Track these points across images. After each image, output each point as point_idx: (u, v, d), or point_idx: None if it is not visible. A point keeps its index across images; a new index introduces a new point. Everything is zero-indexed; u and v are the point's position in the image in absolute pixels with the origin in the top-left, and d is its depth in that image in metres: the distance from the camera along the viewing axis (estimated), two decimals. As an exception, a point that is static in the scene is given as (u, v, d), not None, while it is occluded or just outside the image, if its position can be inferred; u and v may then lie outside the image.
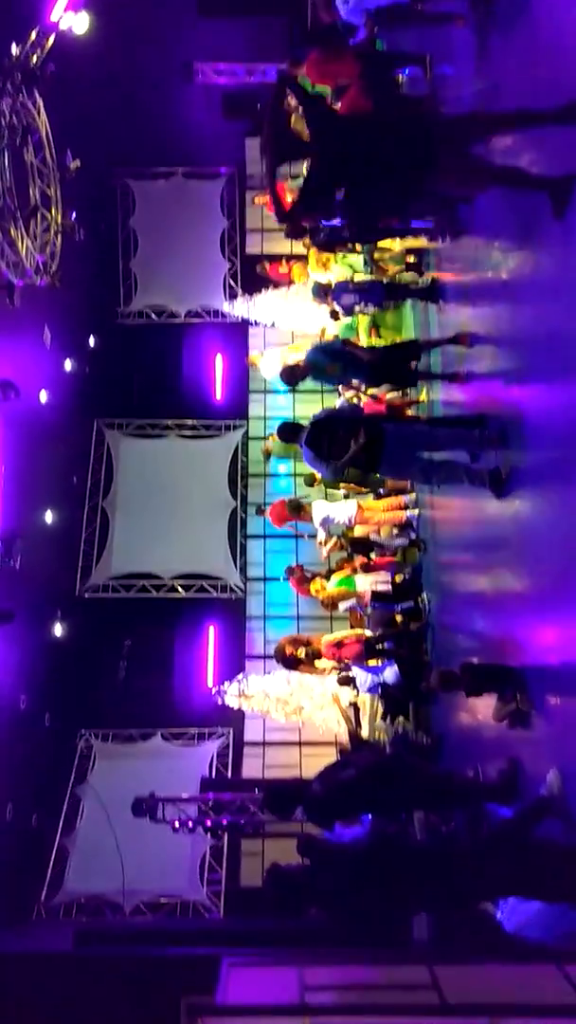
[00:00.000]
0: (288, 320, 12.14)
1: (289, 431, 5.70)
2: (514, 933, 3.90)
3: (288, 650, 9.26)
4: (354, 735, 8.03)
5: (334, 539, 10.39)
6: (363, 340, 9.73)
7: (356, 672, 8.64)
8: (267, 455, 11.76)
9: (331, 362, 6.95)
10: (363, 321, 9.86)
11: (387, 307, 9.15)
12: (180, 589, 12.92)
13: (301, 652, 9.37)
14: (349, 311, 8.95)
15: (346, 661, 8.83)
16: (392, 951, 4.19)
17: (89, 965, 4.88)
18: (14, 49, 9.61)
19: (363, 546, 9.91)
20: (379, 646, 8.27)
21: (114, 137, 13.08)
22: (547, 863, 3.73)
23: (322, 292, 9.51)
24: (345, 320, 10.25)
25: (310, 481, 11.45)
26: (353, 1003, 3.62)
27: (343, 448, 5.04)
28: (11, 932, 9.20)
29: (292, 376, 7.22)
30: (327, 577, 11.11)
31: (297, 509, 10.56)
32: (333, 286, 8.95)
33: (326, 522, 9.62)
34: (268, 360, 11.86)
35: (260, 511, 12.63)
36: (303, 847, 4.14)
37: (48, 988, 4.54)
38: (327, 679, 10.28)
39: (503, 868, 3.74)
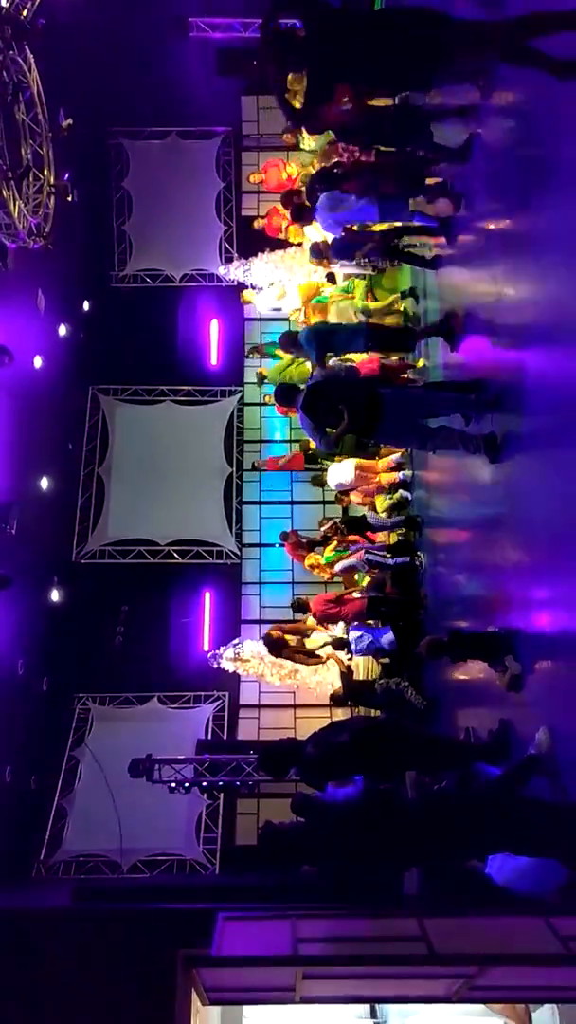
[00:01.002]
0: (285, 282, 12.00)
1: (286, 393, 5.66)
2: (502, 887, 3.99)
3: (275, 633, 9.38)
4: (348, 678, 8.19)
5: (330, 522, 10.48)
6: (359, 302, 9.65)
7: (352, 634, 8.70)
8: (261, 379, 11.81)
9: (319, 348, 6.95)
10: (359, 285, 9.77)
11: (384, 268, 9.05)
12: (176, 555, 12.96)
13: (291, 639, 9.50)
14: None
15: (343, 619, 8.85)
16: (382, 905, 4.29)
17: (86, 920, 4.98)
18: (3, 2, 9.37)
19: (358, 526, 9.91)
20: (382, 607, 8.28)
21: (107, 95, 12.81)
22: (535, 819, 3.81)
23: (319, 252, 9.37)
24: (342, 283, 10.16)
25: (305, 448, 11.46)
26: (344, 954, 3.72)
27: (339, 416, 5.03)
28: (10, 889, 9.39)
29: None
30: (322, 544, 11.17)
31: (320, 484, 10.88)
32: (330, 243, 8.82)
33: (339, 486, 9.74)
34: (261, 297, 11.78)
35: (256, 466, 12.76)
36: (297, 806, 4.21)
37: (46, 942, 4.63)
38: (320, 646, 10.37)
39: (492, 824, 3.82)
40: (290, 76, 4.76)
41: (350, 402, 5.03)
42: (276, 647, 9.60)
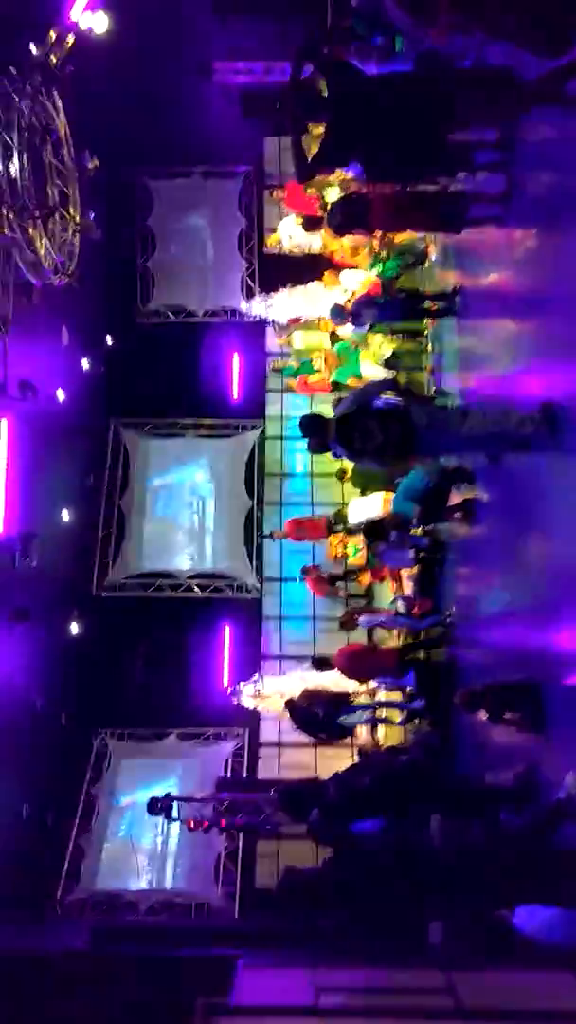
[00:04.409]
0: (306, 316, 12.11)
1: (314, 426, 5.49)
2: (530, 938, 3.85)
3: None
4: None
5: (341, 534, 10.36)
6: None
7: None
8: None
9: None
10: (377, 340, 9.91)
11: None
12: (196, 588, 12.93)
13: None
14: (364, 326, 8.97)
15: (372, 674, 8.63)
16: (407, 955, 4.16)
17: (105, 964, 4.88)
18: (33, 49, 9.66)
19: (378, 532, 9.66)
20: (408, 656, 8.11)
21: (132, 137, 13.10)
22: (564, 868, 3.69)
23: (340, 313, 9.36)
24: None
25: (340, 475, 11.40)
26: (366, 1006, 3.61)
27: (374, 440, 4.96)
28: (28, 929, 9.24)
29: (314, 429, 5.89)
30: (343, 579, 11.12)
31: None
32: (352, 304, 8.95)
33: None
34: (284, 226, 11.83)
35: (274, 534, 12.40)
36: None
37: (64, 986, 4.54)
38: (344, 680, 10.25)
39: (520, 873, 3.70)
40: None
41: (382, 425, 4.94)
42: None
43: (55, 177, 10.22)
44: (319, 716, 7.88)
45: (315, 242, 11.47)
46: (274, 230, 12.52)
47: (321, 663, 9.31)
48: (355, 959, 4.08)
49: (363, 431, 4.90)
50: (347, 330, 10.26)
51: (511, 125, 4.72)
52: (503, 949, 4.00)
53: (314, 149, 4.54)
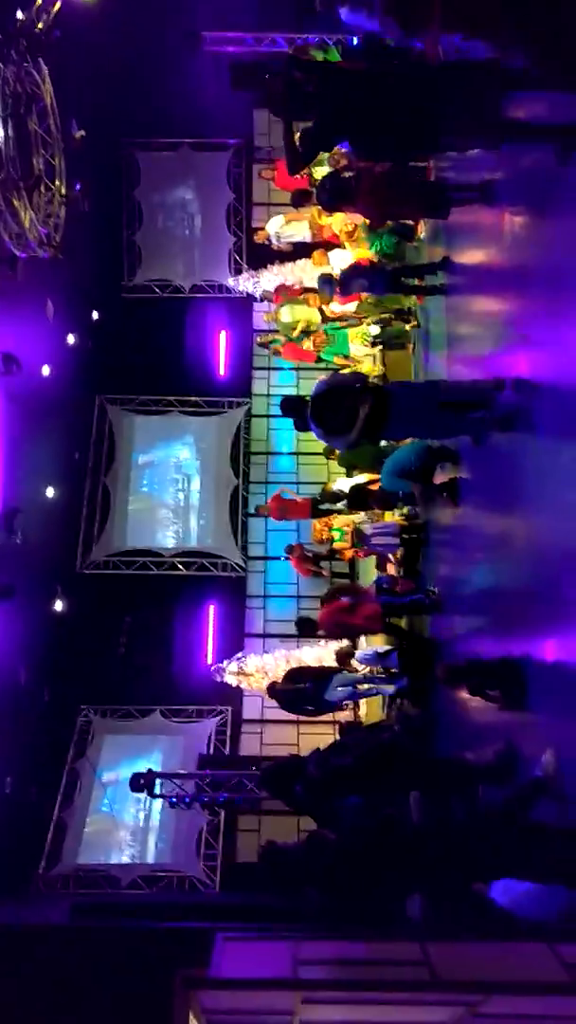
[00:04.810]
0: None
1: (293, 406, 5.56)
2: (506, 912, 3.91)
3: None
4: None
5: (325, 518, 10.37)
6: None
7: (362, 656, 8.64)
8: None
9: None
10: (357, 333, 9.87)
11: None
12: (180, 567, 12.92)
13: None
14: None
15: (356, 631, 8.70)
16: (385, 929, 4.20)
17: (85, 937, 4.90)
18: (19, 15, 9.44)
19: (360, 499, 9.63)
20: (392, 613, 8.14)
21: (120, 107, 12.89)
22: (541, 844, 3.74)
23: (328, 283, 9.36)
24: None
25: (328, 452, 11.37)
26: (345, 978, 3.64)
27: (350, 417, 4.99)
28: (9, 904, 9.30)
29: (294, 409, 6.08)
30: (328, 559, 11.13)
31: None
32: (341, 274, 8.88)
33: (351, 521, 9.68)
34: (273, 224, 11.78)
35: (259, 510, 12.40)
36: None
37: (44, 960, 4.56)
38: (326, 659, 10.31)
39: (497, 848, 3.75)
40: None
41: (361, 404, 4.99)
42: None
43: (40, 147, 10.03)
44: (305, 690, 7.90)
45: (304, 235, 11.36)
46: (262, 227, 12.39)
47: (305, 624, 9.33)
48: (334, 933, 4.12)
49: (335, 408, 4.95)
50: (335, 307, 10.21)
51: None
52: (479, 923, 4.06)
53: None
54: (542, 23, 3.07)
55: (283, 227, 11.52)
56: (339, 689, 8.10)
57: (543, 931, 3.87)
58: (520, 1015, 3.89)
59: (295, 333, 10.90)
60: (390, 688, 8.18)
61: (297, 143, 4.56)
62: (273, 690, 8.42)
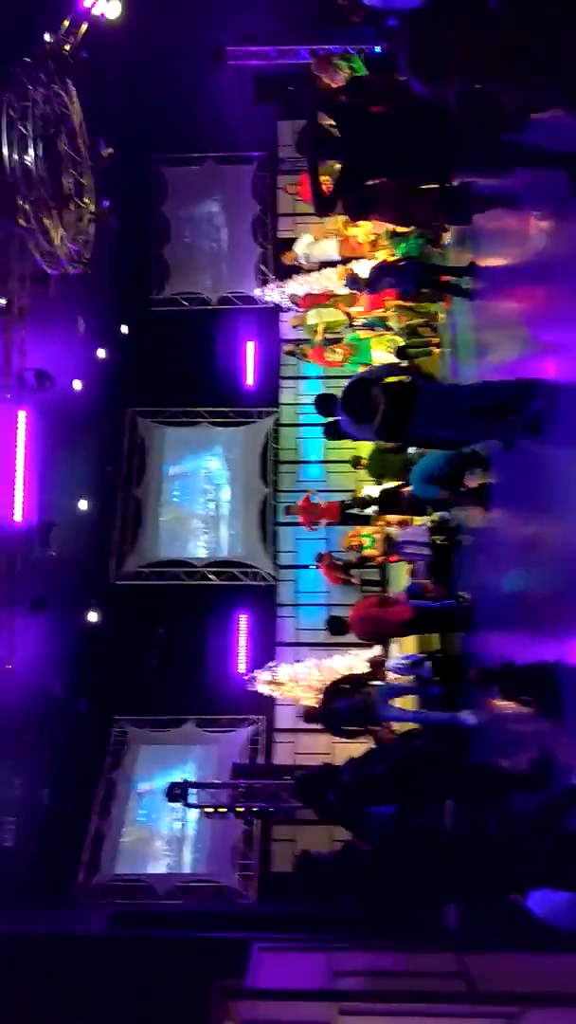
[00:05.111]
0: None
1: (324, 403, 5.68)
2: (543, 922, 3.86)
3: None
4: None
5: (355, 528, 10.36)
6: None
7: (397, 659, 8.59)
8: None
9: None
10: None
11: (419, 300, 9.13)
12: (212, 576, 12.99)
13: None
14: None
15: (387, 634, 8.65)
16: (421, 939, 4.18)
17: (123, 946, 4.96)
18: (47, 37, 9.64)
19: (391, 503, 9.57)
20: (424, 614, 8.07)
21: (146, 124, 13.08)
22: (578, 854, 3.70)
23: (355, 282, 9.44)
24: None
25: (356, 462, 11.37)
26: (382, 989, 3.63)
27: (378, 406, 5.03)
28: (49, 913, 9.39)
29: (325, 405, 6.48)
30: (358, 566, 11.10)
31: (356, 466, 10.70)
32: (369, 272, 8.88)
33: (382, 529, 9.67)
34: (301, 244, 11.82)
35: (290, 510, 12.50)
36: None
37: (82, 969, 4.61)
38: (358, 667, 10.25)
39: (534, 858, 3.71)
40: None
41: (386, 391, 5.04)
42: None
43: (70, 166, 10.21)
44: (344, 711, 7.72)
45: (332, 254, 11.40)
46: (291, 244, 12.48)
47: (335, 623, 9.25)
48: (370, 943, 4.10)
49: (364, 397, 5.01)
50: (360, 314, 10.24)
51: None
52: (516, 933, 4.02)
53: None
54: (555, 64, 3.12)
55: (311, 246, 11.59)
56: (393, 704, 7.93)
57: (582, 942, 3.82)
58: (560, 1028, 3.83)
59: (317, 337, 10.95)
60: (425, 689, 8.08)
61: (323, 186, 4.74)
62: (313, 715, 8.25)
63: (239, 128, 13.78)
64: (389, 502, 9.43)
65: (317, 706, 8.32)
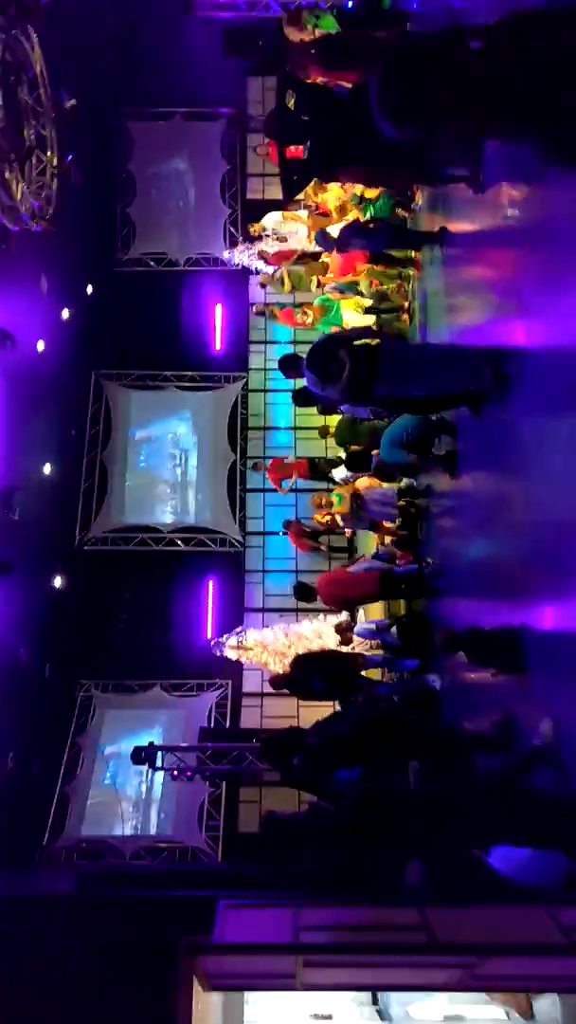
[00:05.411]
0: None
1: (289, 362, 5.70)
2: (504, 878, 3.96)
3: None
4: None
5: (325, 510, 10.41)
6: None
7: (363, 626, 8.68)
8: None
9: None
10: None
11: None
12: (179, 542, 12.93)
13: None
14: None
15: (355, 602, 8.74)
16: (384, 894, 4.27)
17: (90, 906, 4.98)
18: (6, -20, 9.24)
19: (360, 461, 9.59)
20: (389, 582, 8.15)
21: (111, 76, 12.69)
22: (538, 810, 3.79)
23: (326, 239, 9.35)
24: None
25: (324, 432, 11.35)
26: (345, 942, 3.71)
27: (343, 366, 5.04)
28: (13, 874, 9.42)
29: (291, 365, 6.45)
30: (326, 532, 11.13)
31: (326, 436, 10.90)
32: (340, 231, 8.77)
33: (346, 479, 9.66)
34: (269, 218, 11.66)
35: (256, 466, 12.56)
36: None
37: (48, 928, 4.63)
38: (325, 633, 10.35)
39: (495, 815, 3.79)
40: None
41: (351, 351, 5.07)
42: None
43: (31, 117, 9.88)
44: (316, 687, 7.69)
45: (301, 233, 11.23)
46: (261, 209, 12.27)
47: (303, 589, 9.33)
48: (334, 900, 4.18)
49: (331, 356, 5.01)
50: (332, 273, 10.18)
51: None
52: (478, 888, 4.12)
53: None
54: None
55: (279, 224, 11.42)
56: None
57: (541, 896, 3.93)
58: (518, 976, 3.96)
59: (286, 288, 10.88)
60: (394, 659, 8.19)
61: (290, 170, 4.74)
62: (279, 682, 8.12)
63: (208, 83, 13.38)
64: (357, 461, 9.44)
65: (283, 672, 8.38)
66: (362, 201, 9.22)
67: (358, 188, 9.18)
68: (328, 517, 10.44)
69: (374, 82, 3.14)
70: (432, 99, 3.05)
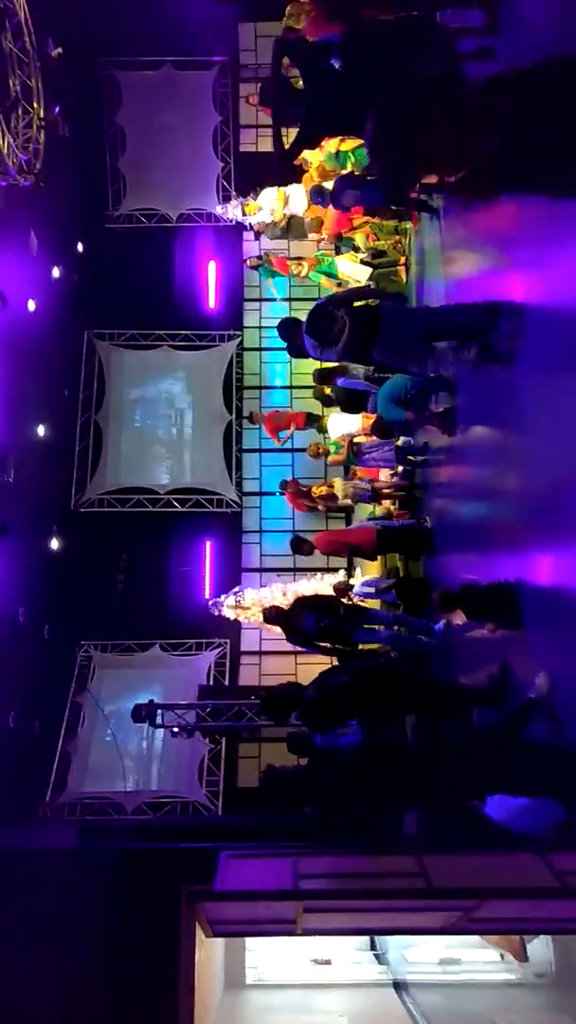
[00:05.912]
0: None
1: (288, 327, 5.65)
2: (500, 826, 4.04)
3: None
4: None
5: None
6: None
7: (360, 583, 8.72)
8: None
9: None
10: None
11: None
12: (176, 503, 12.92)
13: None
14: (347, 210, 8.69)
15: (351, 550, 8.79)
16: (382, 843, 4.35)
17: (93, 859, 5.07)
18: None
19: (355, 402, 9.47)
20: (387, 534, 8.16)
21: (98, 23, 12.28)
22: (533, 761, 3.85)
23: (321, 195, 9.18)
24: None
25: (320, 393, 11.27)
26: (344, 888, 3.80)
27: (343, 328, 5.02)
28: (17, 829, 9.58)
29: (290, 329, 6.17)
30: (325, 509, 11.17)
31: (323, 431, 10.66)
32: (334, 183, 8.60)
33: (344, 436, 9.63)
34: (265, 197, 11.44)
35: (253, 416, 12.48)
36: (294, 744, 4.24)
37: (53, 881, 4.72)
38: (323, 592, 10.39)
39: (491, 765, 3.86)
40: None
41: (351, 314, 5.03)
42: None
43: (16, 67, 9.59)
44: (307, 628, 7.54)
45: (299, 207, 10.96)
46: (254, 187, 11.98)
47: (300, 543, 9.35)
48: (333, 849, 4.26)
49: (330, 317, 4.99)
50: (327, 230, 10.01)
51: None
52: (474, 837, 4.20)
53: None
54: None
55: (276, 201, 11.17)
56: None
57: (535, 843, 4.02)
58: (512, 919, 4.07)
59: (277, 215, 10.72)
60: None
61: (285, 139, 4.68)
62: (272, 616, 7.96)
63: (198, 31, 12.96)
64: (354, 401, 9.39)
65: (279, 607, 8.04)
66: (338, 155, 9.04)
67: (331, 144, 8.96)
68: (326, 489, 10.42)
69: (370, 130, 3.38)
70: (428, 143, 3.39)
